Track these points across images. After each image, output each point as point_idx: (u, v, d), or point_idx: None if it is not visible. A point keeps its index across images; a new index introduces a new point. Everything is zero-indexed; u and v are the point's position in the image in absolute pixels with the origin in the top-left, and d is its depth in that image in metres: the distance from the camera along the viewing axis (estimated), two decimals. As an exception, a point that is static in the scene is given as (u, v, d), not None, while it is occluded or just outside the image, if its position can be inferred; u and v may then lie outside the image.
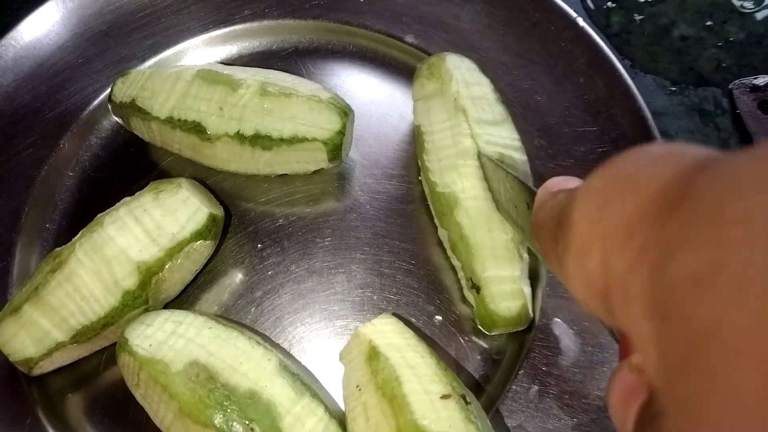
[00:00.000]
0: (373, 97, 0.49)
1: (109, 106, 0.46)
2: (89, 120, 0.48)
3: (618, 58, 0.47)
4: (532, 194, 0.30)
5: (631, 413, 0.17)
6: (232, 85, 0.42)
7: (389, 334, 0.36)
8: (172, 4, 0.52)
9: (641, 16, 0.55)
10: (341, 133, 0.41)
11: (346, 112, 0.42)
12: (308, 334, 0.41)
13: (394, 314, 0.40)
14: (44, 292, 0.37)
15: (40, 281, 0.37)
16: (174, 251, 0.38)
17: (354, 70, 0.50)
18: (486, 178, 0.39)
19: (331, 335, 0.41)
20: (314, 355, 0.40)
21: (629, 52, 0.54)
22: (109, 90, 0.47)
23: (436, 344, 0.40)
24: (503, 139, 0.42)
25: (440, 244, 0.43)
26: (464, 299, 0.41)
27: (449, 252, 0.41)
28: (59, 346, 0.37)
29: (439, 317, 0.41)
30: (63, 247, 0.39)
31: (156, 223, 0.38)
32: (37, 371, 0.38)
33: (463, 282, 0.40)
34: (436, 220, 0.43)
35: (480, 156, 0.40)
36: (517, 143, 0.42)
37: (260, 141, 0.41)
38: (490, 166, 0.39)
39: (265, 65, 0.48)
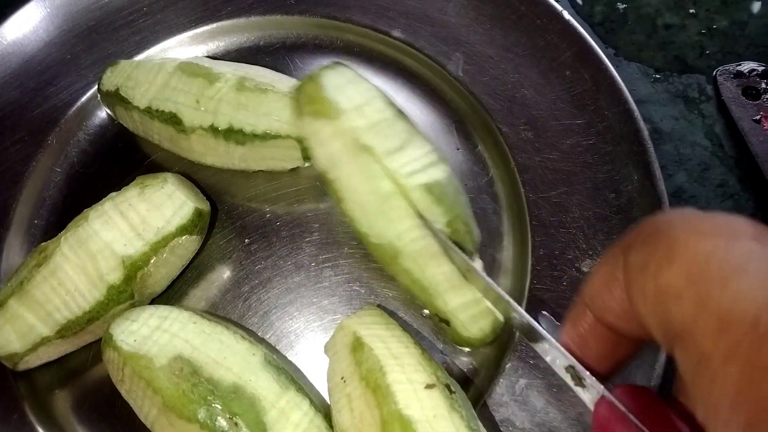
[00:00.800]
0: (360, 91, 0.49)
1: (98, 96, 0.47)
2: (77, 116, 0.48)
3: (602, 47, 0.47)
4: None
5: None
6: (210, 78, 0.42)
7: (373, 326, 0.35)
8: (159, 0, 0.52)
9: (624, 5, 0.55)
10: None
11: None
12: (296, 329, 0.41)
13: (380, 306, 0.40)
14: (29, 286, 0.37)
15: (25, 276, 0.37)
16: (159, 246, 0.38)
17: (341, 65, 0.50)
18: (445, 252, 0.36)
19: (319, 329, 0.41)
20: (301, 349, 0.40)
21: (613, 41, 0.54)
22: (96, 85, 0.47)
23: (423, 338, 0.40)
24: (417, 161, 0.36)
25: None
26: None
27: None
28: (44, 341, 0.37)
29: (426, 310, 0.41)
30: (48, 241, 0.39)
31: (141, 218, 0.38)
32: (23, 366, 0.38)
33: (429, 315, 0.40)
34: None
35: (428, 227, 0.35)
36: (433, 156, 0.37)
37: (234, 135, 0.41)
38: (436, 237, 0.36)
39: (252, 61, 0.48)
